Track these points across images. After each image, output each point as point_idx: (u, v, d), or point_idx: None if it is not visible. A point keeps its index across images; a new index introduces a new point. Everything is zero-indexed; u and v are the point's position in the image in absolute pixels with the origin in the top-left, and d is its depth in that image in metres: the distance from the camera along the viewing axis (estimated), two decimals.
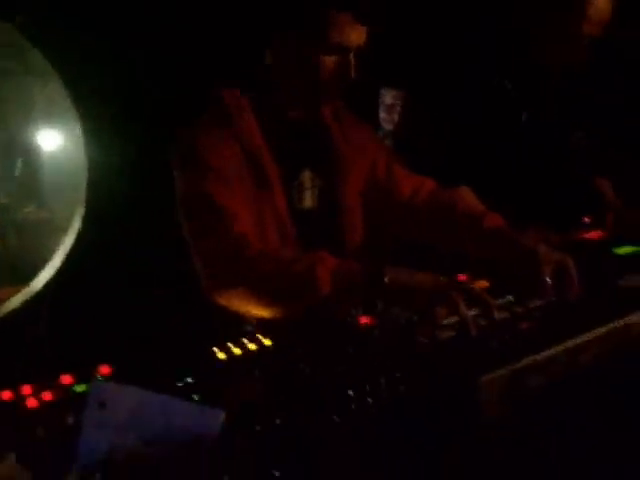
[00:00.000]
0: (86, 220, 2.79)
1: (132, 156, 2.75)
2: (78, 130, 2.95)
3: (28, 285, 3.05)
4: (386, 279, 1.57)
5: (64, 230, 2.96)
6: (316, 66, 1.78)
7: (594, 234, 2.08)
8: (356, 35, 1.76)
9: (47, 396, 1.36)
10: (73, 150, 3.10)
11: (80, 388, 1.38)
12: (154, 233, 2.70)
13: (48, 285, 2.76)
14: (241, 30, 2.28)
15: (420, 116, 2.29)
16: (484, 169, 2.16)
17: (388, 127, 2.85)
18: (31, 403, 1.36)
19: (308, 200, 1.91)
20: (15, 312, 2.88)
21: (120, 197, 2.77)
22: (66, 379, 1.41)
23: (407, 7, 2.71)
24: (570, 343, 1.42)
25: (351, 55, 1.78)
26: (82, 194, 2.88)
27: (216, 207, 1.72)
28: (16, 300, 3.23)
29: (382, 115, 2.90)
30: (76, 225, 2.80)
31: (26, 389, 1.40)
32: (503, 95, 2.18)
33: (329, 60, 1.77)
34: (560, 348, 1.40)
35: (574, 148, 2.27)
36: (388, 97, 2.94)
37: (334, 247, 1.83)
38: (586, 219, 2.18)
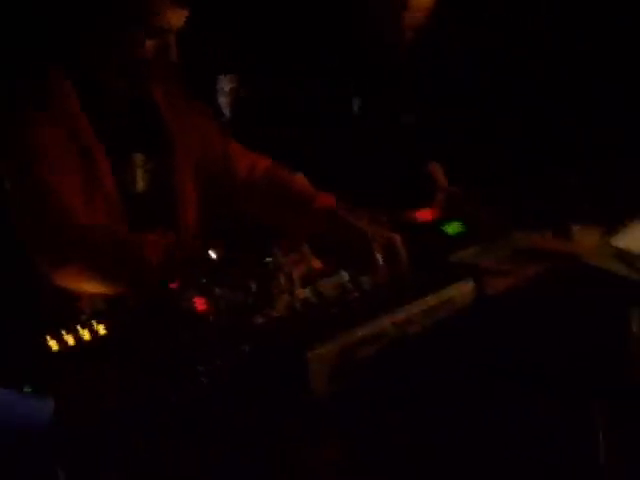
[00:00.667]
0: None
1: None
2: None
3: None
4: (212, 254, 1.61)
5: None
6: (138, 49, 1.77)
7: (424, 214, 2.17)
8: (176, 17, 1.78)
9: None
10: None
11: None
12: None
13: None
14: (65, 10, 2.21)
15: (254, 101, 2.30)
16: (321, 155, 2.20)
17: (226, 111, 2.86)
18: None
19: (140, 183, 1.90)
20: None
21: None
22: None
23: None
24: (398, 315, 1.47)
25: (172, 37, 1.79)
26: None
27: (39, 186, 1.71)
28: None
29: (221, 100, 2.90)
30: None
31: None
32: (335, 81, 2.22)
33: (150, 43, 1.78)
34: (388, 320, 1.45)
35: (403, 131, 2.35)
36: (225, 83, 2.95)
37: (168, 228, 1.87)
38: (418, 200, 2.27)
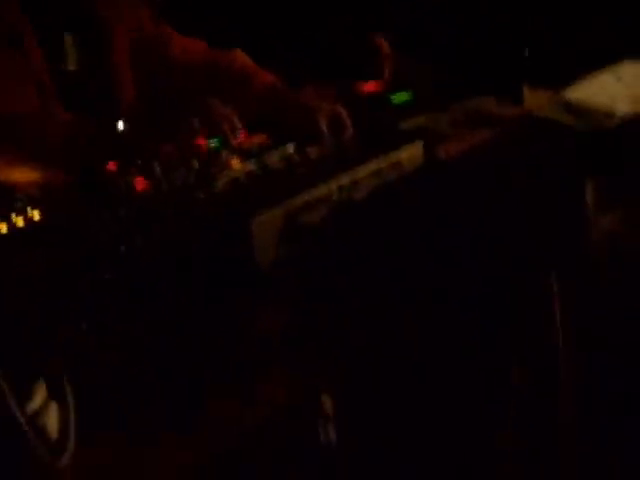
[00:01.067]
0: None
1: None
2: None
3: None
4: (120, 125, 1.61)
5: None
6: None
7: (371, 86, 2.10)
8: None
9: None
10: None
11: None
12: None
13: None
14: None
15: None
16: (263, 28, 2.12)
17: None
18: None
19: (72, 63, 1.85)
20: None
21: None
22: None
23: None
24: (343, 179, 1.42)
25: None
26: None
27: None
28: None
29: None
30: None
31: None
32: None
33: None
34: (333, 185, 1.41)
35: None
36: None
37: (105, 106, 1.84)
38: (364, 71, 2.20)
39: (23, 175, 1.63)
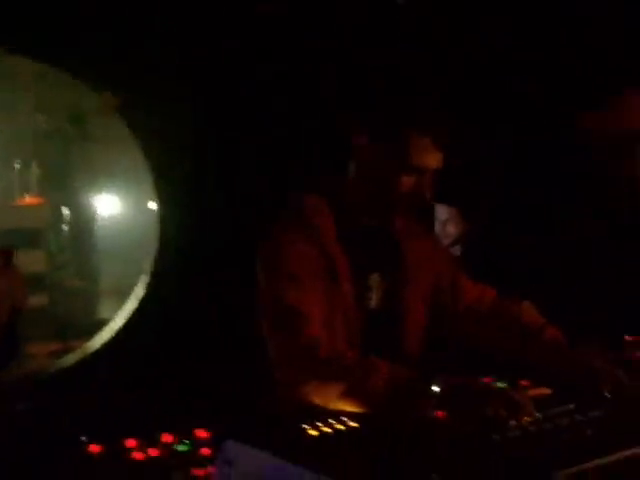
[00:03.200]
0: (149, 287, 2.89)
1: (206, 232, 2.88)
2: (140, 202, 3.13)
3: (79, 343, 3.15)
4: (435, 388, 1.71)
5: (118, 295, 3.10)
6: (394, 184, 1.92)
7: None
8: (434, 159, 1.92)
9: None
10: (132, 219, 3.24)
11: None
12: (221, 303, 2.81)
13: (106, 345, 2.86)
14: (322, 137, 2.46)
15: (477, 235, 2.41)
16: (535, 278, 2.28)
17: (444, 241, 3.01)
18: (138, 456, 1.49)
19: (374, 300, 2.03)
20: (69, 369, 2.98)
21: (186, 270, 2.90)
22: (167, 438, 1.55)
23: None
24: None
25: (427, 176, 1.93)
26: (148, 264, 3.00)
27: (292, 311, 1.87)
28: (72, 358, 3.30)
29: (437, 229, 3.05)
30: (139, 292, 2.91)
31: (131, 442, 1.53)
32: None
33: (406, 180, 1.92)
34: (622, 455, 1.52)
35: None
36: (442, 213, 3.12)
37: (393, 348, 1.99)
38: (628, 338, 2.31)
39: (349, 408, 1.82)
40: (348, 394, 1.78)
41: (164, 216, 2.93)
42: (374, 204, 1.99)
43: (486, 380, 1.90)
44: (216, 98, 3.05)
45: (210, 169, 3.05)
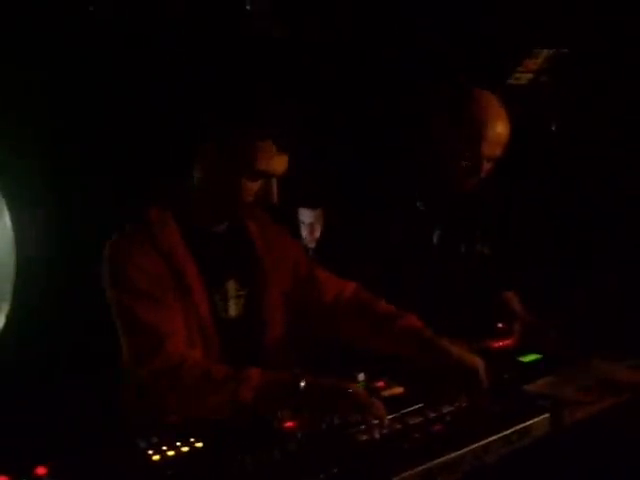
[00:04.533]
0: (11, 315, 2.76)
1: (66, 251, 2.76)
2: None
3: None
4: (302, 385, 1.70)
5: None
6: (239, 190, 1.88)
7: (501, 343, 2.23)
8: (280, 163, 1.88)
9: None
10: None
11: None
12: (82, 327, 2.72)
13: None
14: (166, 144, 2.39)
15: (340, 235, 2.40)
16: (401, 285, 2.27)
17: (311, 245, 2.98)
18: None
19: (233, 309, 1.99)
20: None
21: (49, 294, 2.77)
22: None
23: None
24: (477, 444, 1.54)
25: (273, 181, 1.89)
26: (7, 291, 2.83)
27: (149, 330, 1.82)
28: None
29: (304, 234, 3.03)
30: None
31: None
32: (417, 216, 2.32)
33: (252, 185, 1.88)
34: (468, 449, 1.52)
35: (479, 260, 2.42)
36: (307, 216, 3.09)
37: (258, 355, 1.96)
38: (499, 325, 2.33)
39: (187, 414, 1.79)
40: (218, 408, 1.75)
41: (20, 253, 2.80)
42: (220, 210, 1.95)
43: (380, 383, 1.88)
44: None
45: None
